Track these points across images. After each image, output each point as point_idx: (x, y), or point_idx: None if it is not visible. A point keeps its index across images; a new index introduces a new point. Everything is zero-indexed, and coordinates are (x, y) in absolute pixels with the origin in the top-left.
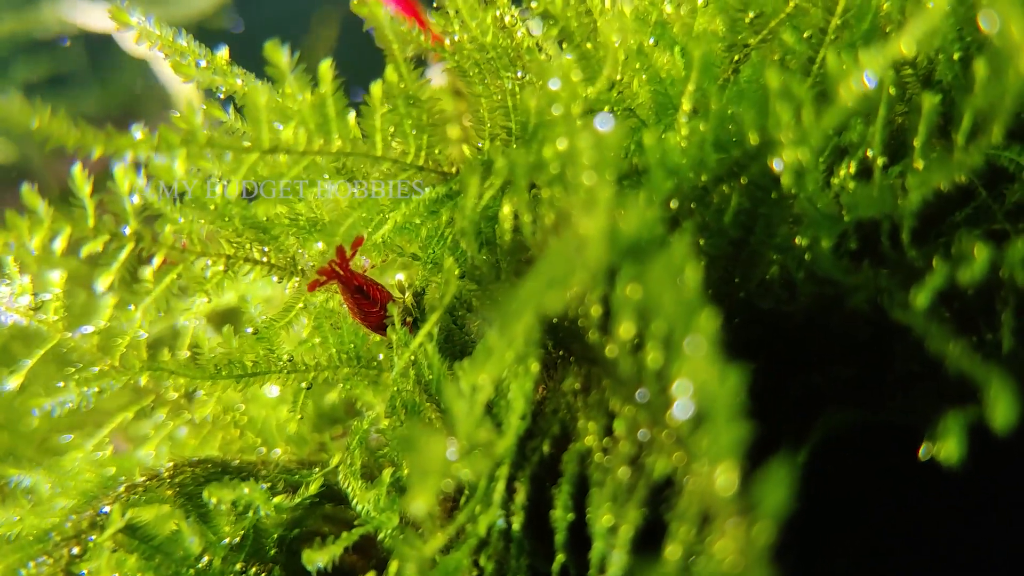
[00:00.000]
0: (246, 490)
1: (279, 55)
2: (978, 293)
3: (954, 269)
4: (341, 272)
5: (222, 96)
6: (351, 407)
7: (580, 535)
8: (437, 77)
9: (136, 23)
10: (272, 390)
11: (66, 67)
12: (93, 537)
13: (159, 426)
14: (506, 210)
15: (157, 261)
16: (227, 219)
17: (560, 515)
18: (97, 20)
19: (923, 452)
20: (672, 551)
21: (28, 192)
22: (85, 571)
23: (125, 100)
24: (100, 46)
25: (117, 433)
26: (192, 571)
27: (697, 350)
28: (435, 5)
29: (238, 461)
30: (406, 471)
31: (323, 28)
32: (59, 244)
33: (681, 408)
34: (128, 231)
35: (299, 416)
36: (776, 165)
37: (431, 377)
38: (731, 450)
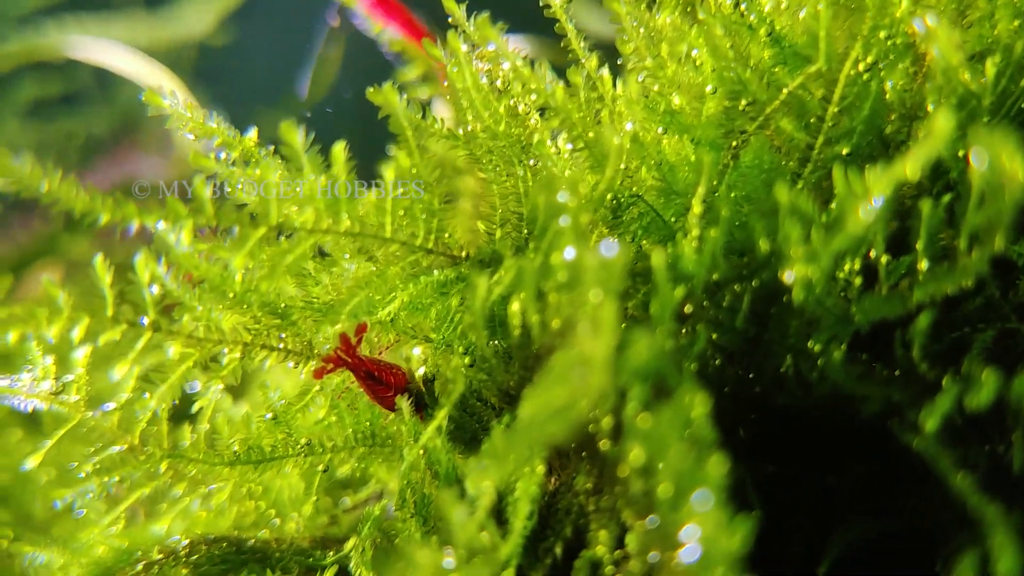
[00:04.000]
0: None
1: (294, 135)
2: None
3: (963, 390)
4: (348, 359)
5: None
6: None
7: None
8: (440, 110)
9: (168, 106)
10: None
11: (74, 85)
12: None
13: (174, 501)
14: (515, 307)
15: (174, 352)
16: (246, 306)
17: None
18: (97, 54)
19: None
20: None
21: (48, 283)
22: None
23: (130, 117)
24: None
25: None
26: None
27: (704, 504)
28: (447, 81)
29: (252, 541)
30: None
31: (331, 46)
32: (78, 334)
33: (689, 552)
34: (147, 322)
35: (315, 498)
36: (787, 277)
37: (441, 472)
38: None
